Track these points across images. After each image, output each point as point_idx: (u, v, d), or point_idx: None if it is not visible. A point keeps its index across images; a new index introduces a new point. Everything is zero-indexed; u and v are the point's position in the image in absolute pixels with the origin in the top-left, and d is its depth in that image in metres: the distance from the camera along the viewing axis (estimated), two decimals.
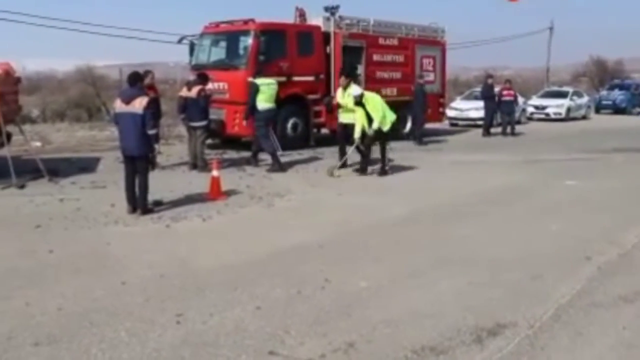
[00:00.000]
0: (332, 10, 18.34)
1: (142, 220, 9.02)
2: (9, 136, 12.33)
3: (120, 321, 5.37)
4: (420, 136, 19.50)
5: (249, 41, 16.57)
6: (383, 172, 12.99)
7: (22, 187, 11.31)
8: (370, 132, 12.68)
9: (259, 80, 13.66)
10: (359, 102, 12.69)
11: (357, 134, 12.88)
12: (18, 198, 10.55)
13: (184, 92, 13.41)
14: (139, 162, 9.35)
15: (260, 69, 14.34)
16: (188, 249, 7.60)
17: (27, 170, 12.36)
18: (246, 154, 14.96)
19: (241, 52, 17.15)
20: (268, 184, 11.71)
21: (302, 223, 9.00)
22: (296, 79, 17.00)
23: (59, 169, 12.98)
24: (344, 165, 13.40)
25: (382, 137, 12.92)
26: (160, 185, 10.40)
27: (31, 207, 9.87)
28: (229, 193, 10.62)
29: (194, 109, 13.03)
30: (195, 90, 13.01)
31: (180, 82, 30.33)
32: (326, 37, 18.12)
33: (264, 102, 13.51)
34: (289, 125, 16.82)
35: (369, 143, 12.93)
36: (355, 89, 13.00)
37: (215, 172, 10.47)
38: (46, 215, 9.25)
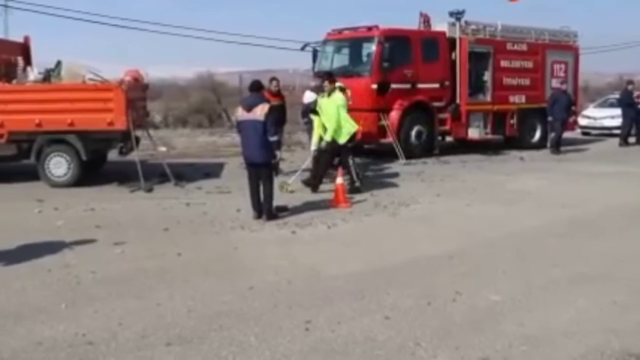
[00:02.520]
0: (457, 15, 18.10)
1: (268, 226, 9.19)
2: (137, 141, 12.96)
3: (249, 325, 5.45)
4: (557, 145, 18.79)
5: (372, 48, 16.61)
6: (353, 189, 11.67)
7: (149, 190, 11.84)
8: (322, 144, 11.81)
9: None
10: (313, 110, 12.06)
11: (313, 145, 12.27)
12: (146, 201, 11.05)
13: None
14: (263, 169, 9.54)
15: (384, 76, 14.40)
16: (314, 256, 7.66)
17: (154, 175, 12.92)
18: (369, 161, 15.00)
19: (364, 58, 17.23)
20: (393, 192, 11.65)
21: (429, 233, 8.87)
22: (421, 86, 16.88)
23: (184, 173, 13.46)
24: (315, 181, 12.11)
25: (341, 150, 11.89)
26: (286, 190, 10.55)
27: (159, 210, 10.30)
28: (352, 201, 10.64)
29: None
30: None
31: (299, 88, 30.83)
32: (451, 43, 17.88)
33: None
34: (413, 133, 16.68)
35: (325, 157, 11.91)
36: (307, 96, 12.29)
37: (339, 180, 10.52)
38: (173, 218, 9.61)
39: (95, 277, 6.82)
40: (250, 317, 5.67)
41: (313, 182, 11.82)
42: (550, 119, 18.91)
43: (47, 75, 13.02)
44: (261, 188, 9.52)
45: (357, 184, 11.78)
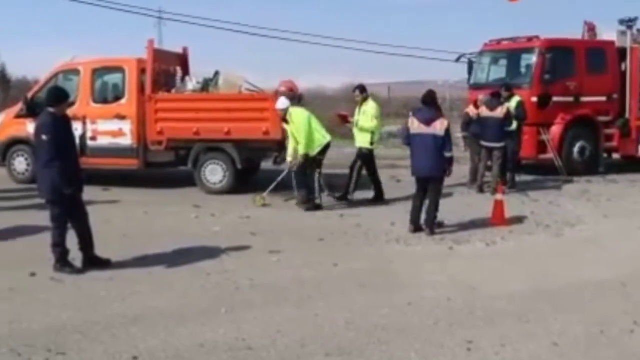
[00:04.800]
0: (628, 23, 17.17)
1: (424, 240, 9.13)
2: None
3: (408, 341, 5.43)
4: None
5: (533, 59, 16.08)
6: (309, 205, 11.29)
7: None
8: (288, 159, 11.71)
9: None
10: (284, 118, 11.54)
11: (288, 156, 11.80)
12: (300, 211, 11.27)
13: (483, 112, 13.22)
14: (434, 183, 9.50)
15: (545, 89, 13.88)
16: (473, 274, 7.52)
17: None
18: (527, 177, 14.52)
19: (524, 70, 16.75)
20: (555, 211, 11.20)
21: (597, 256, 8.46)
22: (585, 99, 16.13)
23: (336, 184, 13.60)
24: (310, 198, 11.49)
25: (312, 162, 11.45)
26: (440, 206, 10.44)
27: (313, 220, 10.51)
28: (512, 219, 10.32)
29: (496, 129, 12.84)
30: (501, 111, 12.83)
31: (449, 100, 30.51)
32: (621, 53, 16.99)
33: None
34: (576, 149, 15.96)
35: (299, 170, 11.41)
36: (280, 103, 11.61)
37: (499, 196, 10.25)
38: (327, 229, 9.76)
39: (253, 283, 7.05)
40: (410, 332, 5.65)
41: (305, 201, 11.43)
42: None
43: (205, 85, 13.62)
44: (426, 202, 9.52)
45: (318, 201, 11.47)
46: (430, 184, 9.49)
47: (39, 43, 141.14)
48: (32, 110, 13.36)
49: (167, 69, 14.14)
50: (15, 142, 14.24)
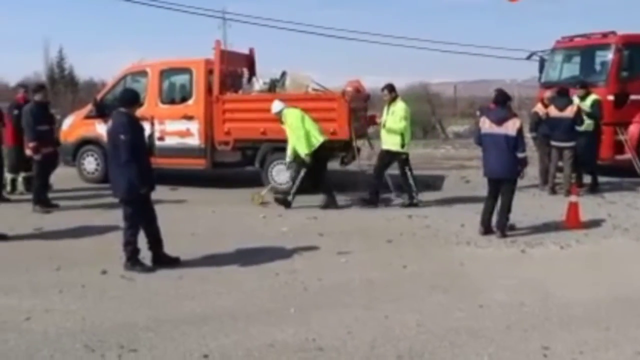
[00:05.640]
0: None
1: (495, 242, 8.99)
2: (358, 150, 13.26)
3: (481, 345, 5.37)
4: None
5: (608, 56, 15.65)
6: (284, 201, 11.63)
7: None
8: (287, 160, 11.95)
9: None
10: (280, 120, 11.68)
11: (287, 157, 11.82)
12: (368, 211, 11.28)
13: (552, 112, 12.92)
14: (506, 184, 9.36)
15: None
16: (547, 278, 7.35)
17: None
18: (602, 179, 14.14)
19: (598, 67, 16.33)
20: (634, 214, 10.84)
21: None
22: None
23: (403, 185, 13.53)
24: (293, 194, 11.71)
25: (303, 163, 11.48)
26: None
27: (381, 221, 10.46)
28: (587, 221, 10.03)
29: (566, 129, 12.56)
30: (571, 110, 12.56)
31: (518, 99, 30.01)
32: None
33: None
34: None
35: (297, 170, 11.60)
36: (275, 105, 11.60)
37: (573, 198, 10.02)
38: (396, 230, 9.72)
39: (322, 284, 7.09)
40: (482, 335, 5.58)
41: (284, 198, 11.69)
42: None
43: (272, 86, 13.72)
44: (498, 203, 9.38)
45: (290, 197, 11.62)
46: (502, 186, 9.35)
47: (104, 46, 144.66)
48: (101, 111, 13.84)
49: (234, 69, 14.31)
50: (85, 142, 14.70)
